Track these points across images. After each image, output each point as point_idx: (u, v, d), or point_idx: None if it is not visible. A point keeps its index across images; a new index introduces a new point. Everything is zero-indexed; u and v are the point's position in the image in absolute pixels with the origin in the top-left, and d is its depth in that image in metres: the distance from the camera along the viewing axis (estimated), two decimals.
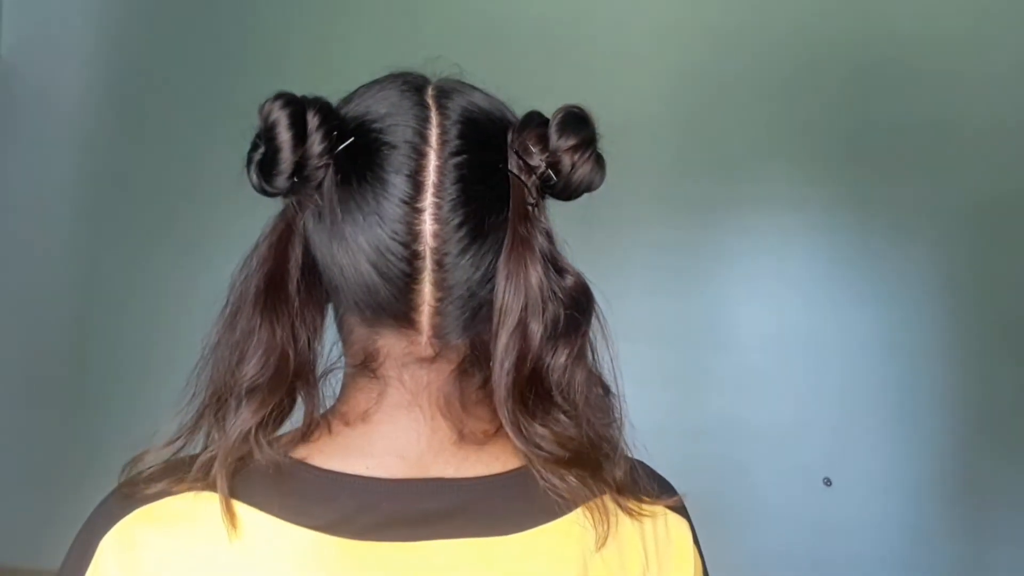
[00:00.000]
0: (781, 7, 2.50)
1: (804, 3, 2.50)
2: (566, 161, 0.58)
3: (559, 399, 0.60)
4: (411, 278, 0.57)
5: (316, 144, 0.55)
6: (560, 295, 0.60)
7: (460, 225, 0.57)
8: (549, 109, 0.60)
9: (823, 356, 2.44)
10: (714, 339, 2.47)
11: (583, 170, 0.59)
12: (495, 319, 0.59)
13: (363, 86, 0.62)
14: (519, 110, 0.63)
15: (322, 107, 0.57)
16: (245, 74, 2.54)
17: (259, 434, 0.58)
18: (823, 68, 2.46)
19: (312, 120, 0.56)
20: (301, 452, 0.60)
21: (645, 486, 0.64)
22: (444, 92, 0.60)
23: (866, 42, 2.46)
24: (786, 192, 2.48)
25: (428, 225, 0.56)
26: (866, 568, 2.36)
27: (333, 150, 0.56)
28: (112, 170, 2.66)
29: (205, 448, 0.59)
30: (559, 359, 0.60)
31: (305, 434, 0.60)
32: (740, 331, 2.47)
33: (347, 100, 0.61)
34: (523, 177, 0.59)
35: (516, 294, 0.58)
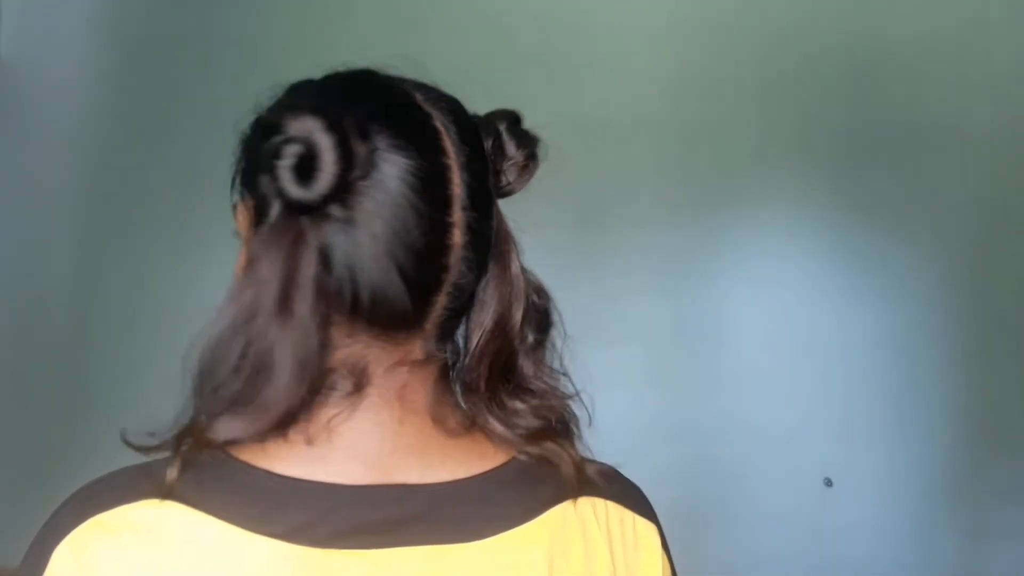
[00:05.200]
0: (781, 5, 2.49)
1: (805, 1, 2.50)
2: (513, 173, 0.62)
3: (530, 383, 0.63)
4: (437, 288, 0.59)
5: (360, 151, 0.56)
6: (532, 290, 0.64)
7: (477, 233, 0.60)
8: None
9: (824, 356, 2.43)
10: (714, 339, 2.47)
11: (520, 183, 0.63)
12: (477, 315, 0.62)
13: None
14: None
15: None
16: (247, 73, 2.53)
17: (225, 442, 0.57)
18: (824, 66, 2.46)
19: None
20: (261, 459, 0.57)
21: (612, 491, 0.64)
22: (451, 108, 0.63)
23: (868, 40, 2.45)
24: (788, 191, 2.47)
25: (458, 238, 0.58)
26: (867, 569, 2.35)
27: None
28: (112, 170, 2.65)
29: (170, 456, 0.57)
30: (531, 349, 0.63)
31: (265, 441, 0.57)
32: (741, 331, 2.46)
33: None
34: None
35: (503, 290, 0.62)
